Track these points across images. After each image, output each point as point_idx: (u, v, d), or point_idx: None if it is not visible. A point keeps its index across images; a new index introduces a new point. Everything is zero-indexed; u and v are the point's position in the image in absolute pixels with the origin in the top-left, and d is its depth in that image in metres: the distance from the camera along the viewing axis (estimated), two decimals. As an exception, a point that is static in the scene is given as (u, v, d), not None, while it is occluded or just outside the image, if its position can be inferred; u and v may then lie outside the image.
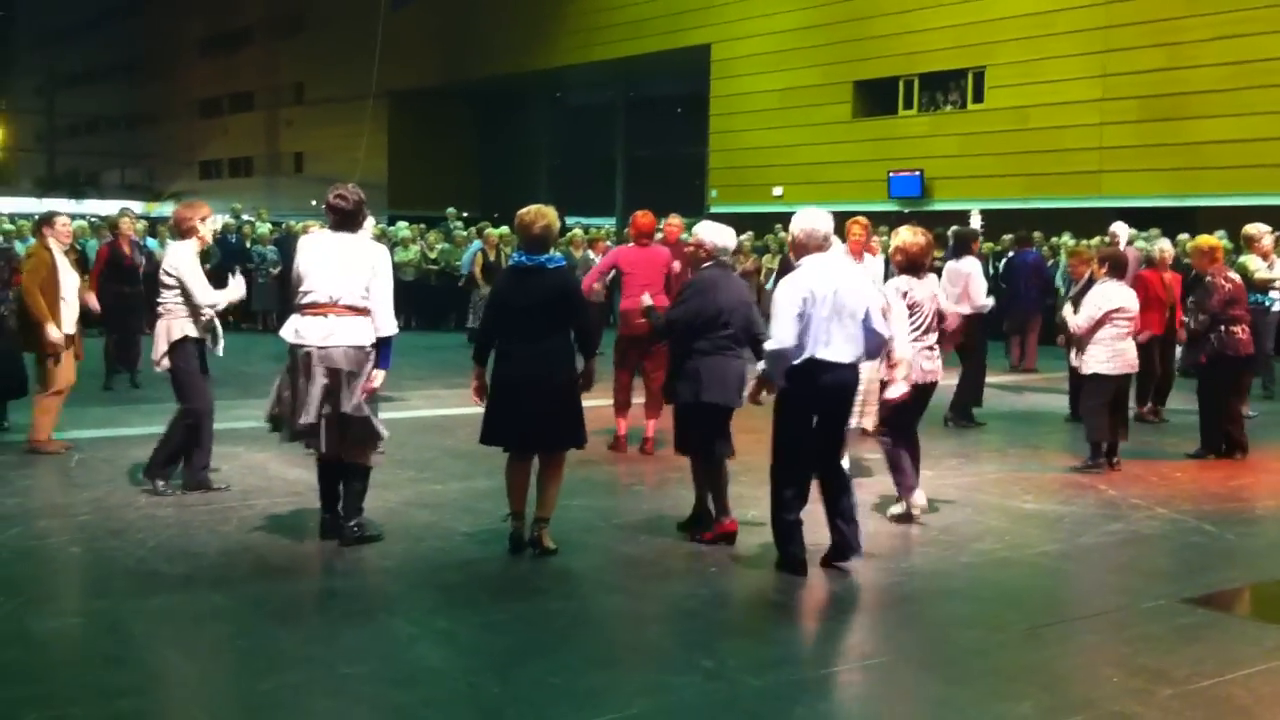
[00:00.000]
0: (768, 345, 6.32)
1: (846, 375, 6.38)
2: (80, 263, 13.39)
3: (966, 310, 10.43)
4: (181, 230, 7.97)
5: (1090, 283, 11.59)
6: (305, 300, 6.52)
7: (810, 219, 6.51)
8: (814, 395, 6.31)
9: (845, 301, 6.27)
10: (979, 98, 26.92)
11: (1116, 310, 9.12)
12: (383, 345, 6.64)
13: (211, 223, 8.13)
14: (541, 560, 6.48)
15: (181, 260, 7.70)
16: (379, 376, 6.68)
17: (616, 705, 4.59)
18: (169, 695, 4.82)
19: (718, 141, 32.58)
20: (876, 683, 4.97)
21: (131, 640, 5.31)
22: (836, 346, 6.26)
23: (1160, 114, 23.07)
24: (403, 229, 22.28)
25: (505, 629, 5.46)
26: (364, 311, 6.52)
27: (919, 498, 7.59)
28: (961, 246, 11.41)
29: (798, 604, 6.14)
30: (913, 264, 7.42)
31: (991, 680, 4.96)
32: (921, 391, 7.48)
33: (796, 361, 6.21)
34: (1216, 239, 10.64)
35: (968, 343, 11.17)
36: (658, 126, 39.90)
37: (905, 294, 7.34)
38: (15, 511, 7.33)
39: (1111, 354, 9.14)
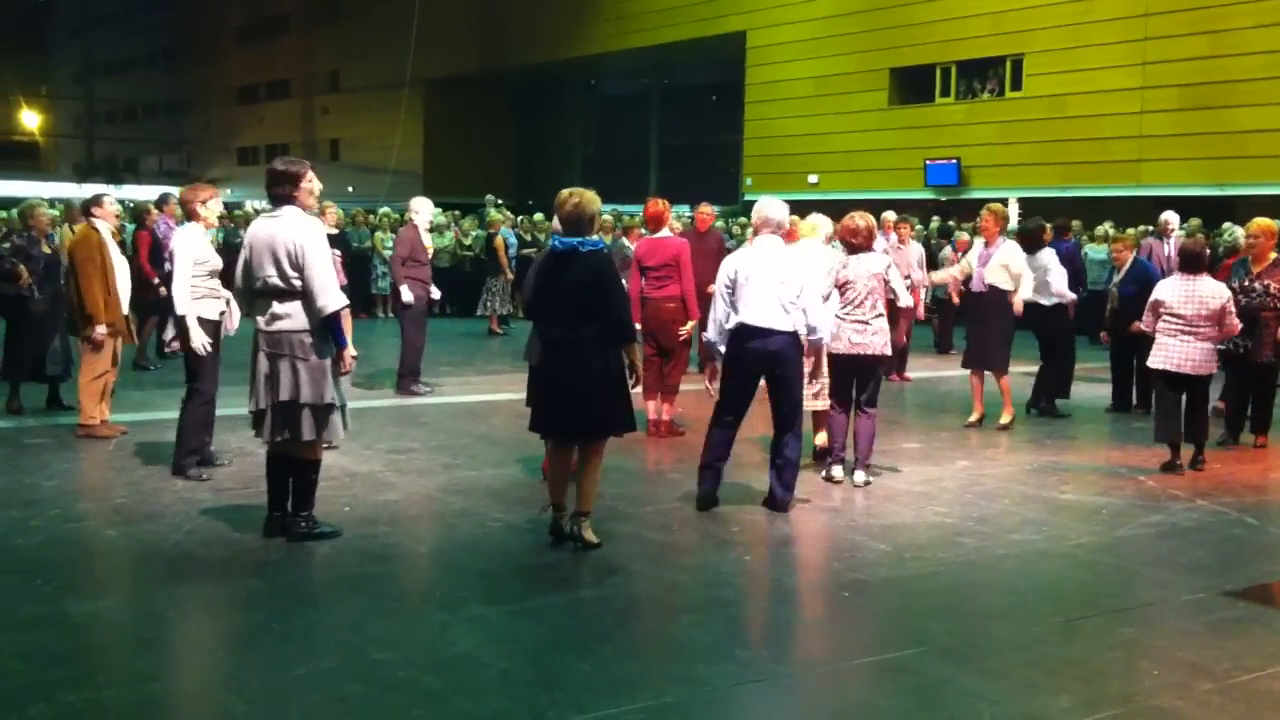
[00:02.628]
0: None
1: (775, 341, 7.13)
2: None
3: (1019, 299, 10.39)
4: (186, 213, 8.02)
5: (1135, 269, 11.52)
6: (255, 286, 6.36)
7: (763, 207, 7.47)
8: (743, 354, 7.19)
9: (775, 277, 7.11)
10: (1017, 85, 26.68)
11: (1159, 304, 8.90)
12: (331, 323, 6.28)
13: (215, 204, 8.00)
14: (575, 550, 6.45)
15: (179, 243, 7.74)
16: (347, 358, 6.45)
17: (649, 694, 4.57)
18: (202, 679, 4.85)
19: (753, 129, 32.45)
20: (911, 674, 4.93)
21: (166, 624, 5.33)
22: (763, 313, 7.11)
23: (1201, 102, 22.79)
24: (437, 215, 22.33)
25: (538, 616, 5.45)
26: (300, 294, 6.24)
27: (837, 471, 8.24)
28: (1033, 241, 11.28)
29: (832, 594, 6.10)
30: (847, 245, 8.24)
31: (1028, 673, 4.91)
32: (852, 362, 8.09)
33: (729, 325, 7.21)
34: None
35: (1053, 334, 11.09)
36: (692, 114, 39.83)
37: (837, 272, 8.11)
38: (53, 495, 7.39)
39: (1157, 349, 8.91)
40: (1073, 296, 11.55)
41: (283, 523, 6.51)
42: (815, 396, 8.69)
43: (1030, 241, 11.21)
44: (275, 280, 6.26)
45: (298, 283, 6.23)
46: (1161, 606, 5.87)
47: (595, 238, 6.51)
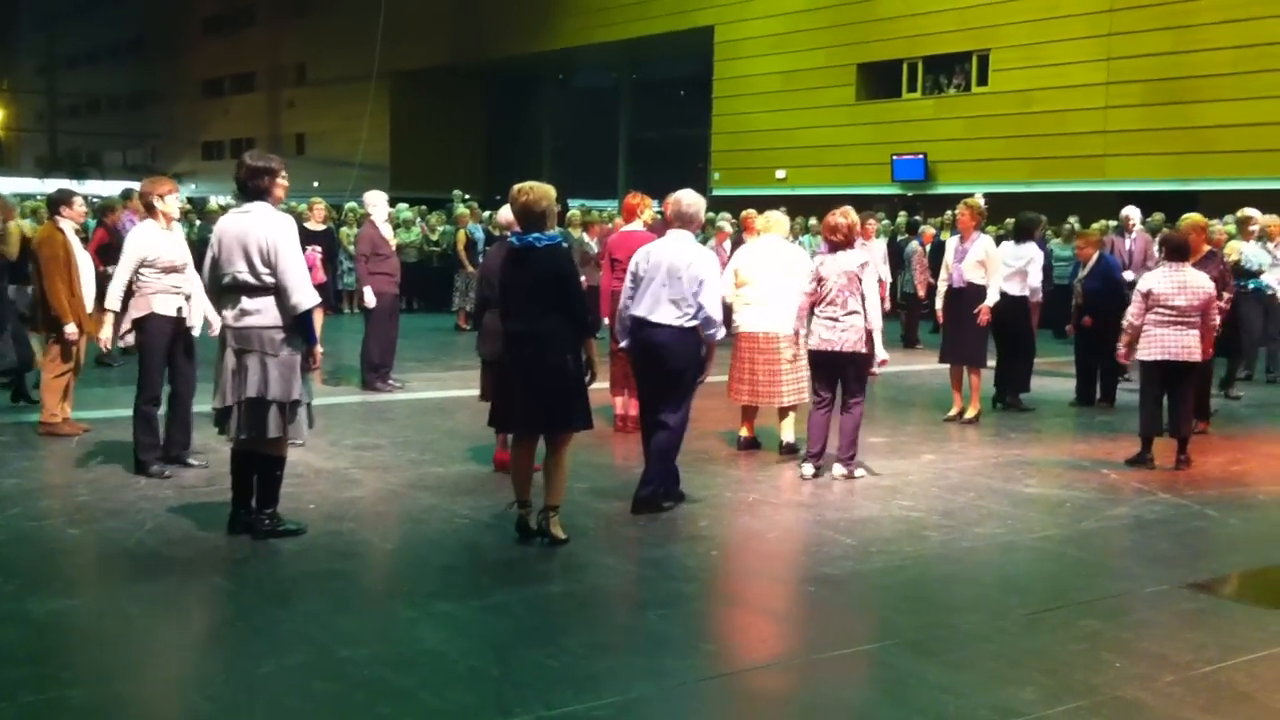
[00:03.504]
0: None
1: (661, 334, 7.08)
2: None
3: (989, 301, 10.49)
4: (145, 206, 7.99)
5: (1099, 265, 11.61)
6: (223, 281, 6.32)
7: (676, 201, 7.37)
8: (634, 345, 7.24)
9: (672, 272, 7.05)
10: (983, 81, 26.83)
11: (1151, 295, 8.83)
12: (303, 320, 6.25)
13: (173, 199, 7.90)
14: (542, 545, 6.45)
15: (129, 240, 7.75)
16: (317, 354, 6.46)
17: (617, 689, 4.57)
18: (167, 678, 4.80)
19: (721, 124, 32.49)
20: (878, 667, 4.95)
21: (130, 622, 5.29)
22: (653, 308, 7.08)
23: (1165, 97, 22.98)
24: (404, 210, 22.24)
25: (505, 612, 5.44)
26: (270, 290, 6.20)
27: (806, 468, 8.23)
28: (1024, 232, 11.50)
29: (799, 588, 6.12)
30: (828, 242, 8.26)
31: (993, 665, 4.94)
32: (823, 359, 8.14)
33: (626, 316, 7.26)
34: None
35: (1014, 327, 11.18)
36: (661, 108, 39.86)
37: (815, 269, 8.20)
38: (14, 492, 7.32)
39: (1148, 340, 8.87)
40: (1039, 295, 11.70)
41: (247, 520, 6.47)
42: (791, 392, 8.79)
43: (1023, 233, 11.43)
44: (245, 276, 6.21)
45: (268, 279, 6.19)
46: (1125, 599, 5.91)
47: (552, 232, 6.48)
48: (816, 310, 8.14)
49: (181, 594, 5.68)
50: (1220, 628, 5.50)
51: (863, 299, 8.04)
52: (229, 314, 6.30)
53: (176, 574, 5.89)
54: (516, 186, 6.50)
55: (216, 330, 7.58)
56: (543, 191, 6.44)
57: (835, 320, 8.05)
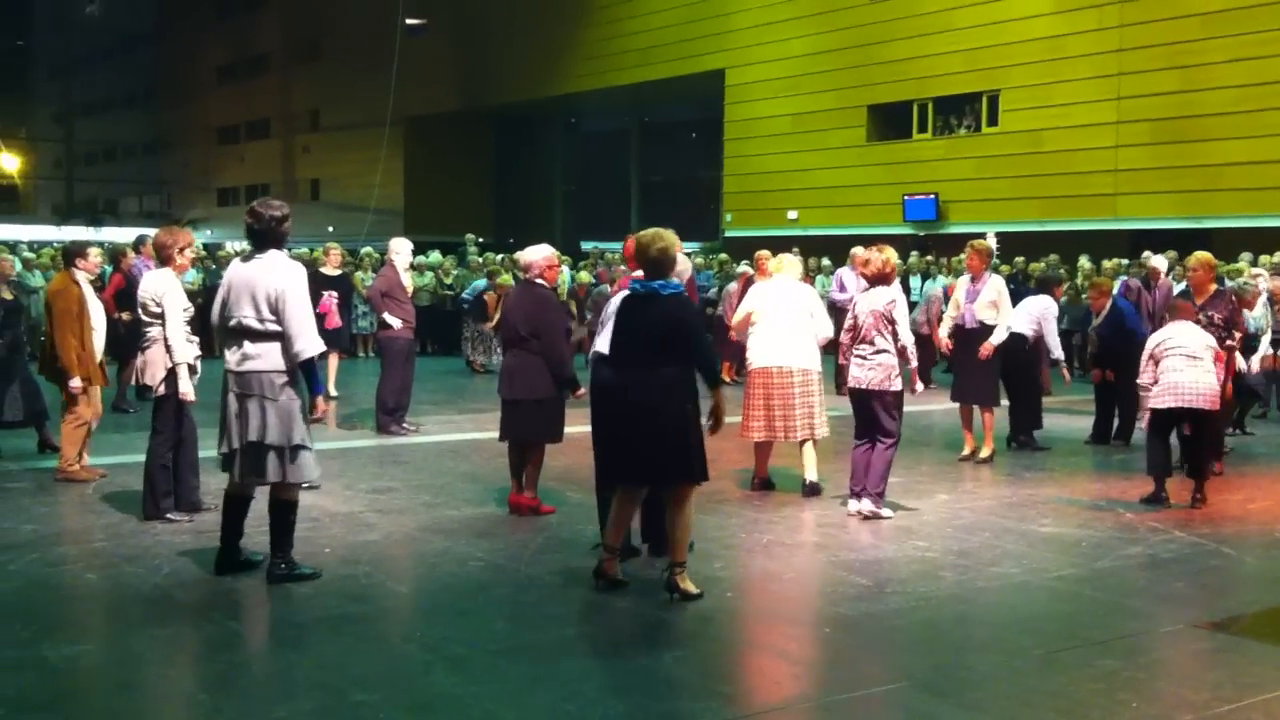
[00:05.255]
0: None
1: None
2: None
3: (996, 337, 10.59)
4: (161, 258, 8.06)
5: (1112, 314, 11.61)
6: (229, 324, 6.40)
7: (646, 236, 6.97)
8: (595, 386, 6.96)
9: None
10: (993, 121, 26.89)
11: (1157, 344, 8.96)
12: (306, 367, 6.33)
13: (191, 252, 8.10)
14: (557, 587, 6.46)
15: (167, 289, 7.75)
16: (320, 403, 6.48)
17: (631, 732, 4.56)
18: (183, 722, 4.81)
19: (732, 166, 32.60)
20: (892, 708, 4.94)
21: (145, 667, 5.30)
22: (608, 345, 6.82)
23: (1175, 136, 23.00)
24: (434, 256, 22.35)
25: (521, 656, 5.45)
26: (275, 336, 6.27)
27: (852, 504, 8.32)
28: (1043, 286, 11.98)
29: (813, 628, 6.11)
30: (864, 277, 8.53)
31: (1009, 706, 4.92)
32: (855, 396, 8.33)
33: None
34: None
35: (1018, 368, 11.21)
36: (672, 151, 40.01)
37: (848, 307, 8.54)
38: (32, 538, 7.35)
39: (1160, 388, 8.84)
40: (1060, 354, 11.92)
41: (235, 559, 6.56)
42: (804, 426, 8.81)
43: (1043, 286, 11.93)
44: (250, 321, 6.30)
45: (273, 325, 6.27)
46: (1141, 638, 5.89)
47: (675, 280, 6.43)
48: (852, 349, 8.34)
49: (196, 639, 5.70)
50: (1237, 666, 5.47)
51: (893, 336, 8.18)
52: (232, 358, 6.39)
53: (191, 618, 5.91)
54: (645, 234, 6.40)
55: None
56: (671, 240, 6.37)
57: (864, 359, 8.24)
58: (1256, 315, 12.19)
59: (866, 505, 8.21)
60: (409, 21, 35.30)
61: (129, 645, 5.57)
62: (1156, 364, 8.88)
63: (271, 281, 6.27)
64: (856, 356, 8.26)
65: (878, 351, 8.17)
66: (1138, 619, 6.23)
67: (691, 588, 6.27)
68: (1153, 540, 7.78)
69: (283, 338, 6.26)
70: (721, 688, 5.09)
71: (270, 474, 6.32)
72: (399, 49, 32.52)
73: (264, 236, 6.42)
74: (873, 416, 8.26)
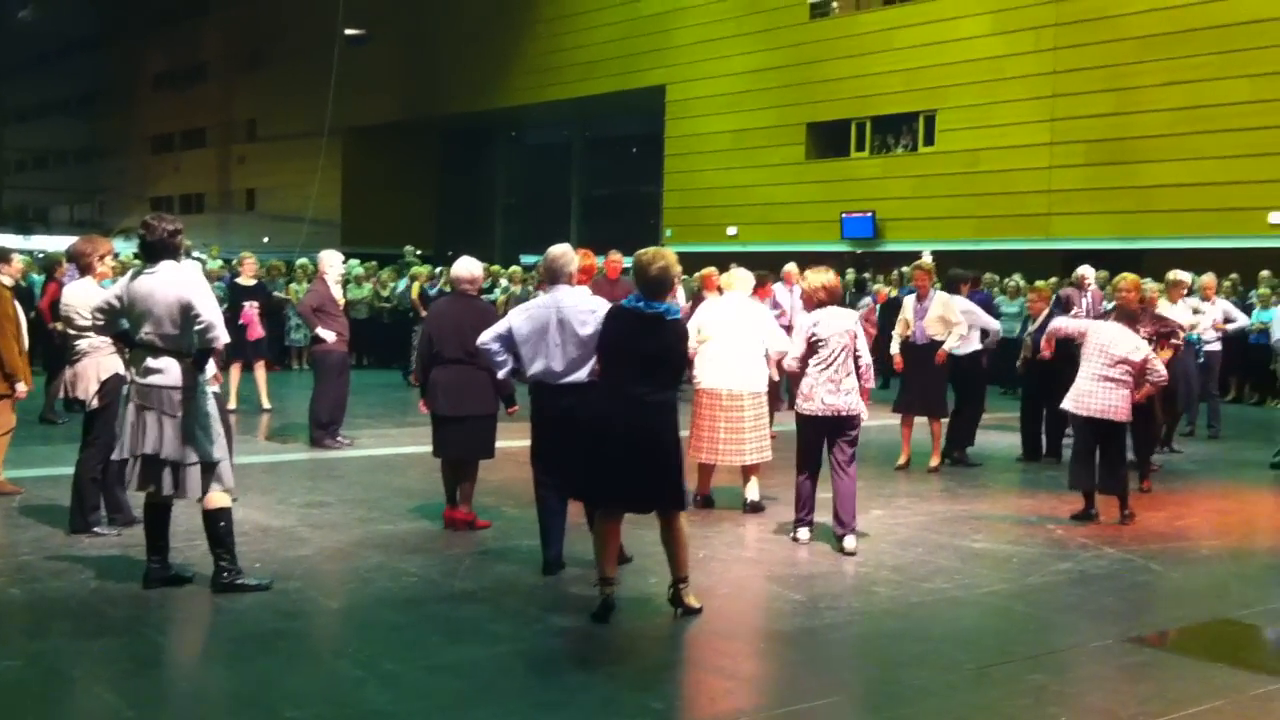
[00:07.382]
0: None
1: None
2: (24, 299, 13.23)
3: (947, 348, 10.94)
4: (81, 266, 8.00)
5: (1049, 319, 11.81)
6: (135, 339, 6.41)
7: (553, 253, 6.99)
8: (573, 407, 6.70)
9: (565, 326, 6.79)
10: (930, 140, 27.22)
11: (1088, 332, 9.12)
12: (211, 353, 6.41)
13: (110, 260, 8.07)
14: (490, 603, 6.43)
15: (82, 299, 7.63)
16: (218, 376, 6.59)
17: (565, 748, 4.55)
18: (108, 740, 4.73)
19: (673, 181, 32.76)
20: (826, 724, 4.96)
21: (72, 683, 5.21)
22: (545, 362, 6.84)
23: (1108, 158, 23.40)
24: (355, 266, 22.17)
25: (453, 672, 5.41)
26: (176, 351, 6.29)
27: (803, 533, 8.08)
28: (949, 285, 11.98)
29: (747, 643, 6.12)
30: (825, 300, 8.06)
31: (941, 721, 4.96)
32: (825, 423, 7.90)
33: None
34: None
35: (968, 381, 11.46)
36: (613, 165, 40.13)
37: (808, 330, 7.96)
38: (-46, 552, 7.20)
39: (1077, 393, 8.97)
40: (999, 335, 12.26)
41: (162, 573, 6.51)
42: (754, 450, 8.77)
43: (950, 287, 11.90)
44: (151, 336, 6.32)
45: (175, 340, 6.30)
46: (1071, 653, 5.96)
47: (674, 304, 6.34)
48: (814, 373, 7.90)
49: (124, 654, 5.60)
50: (1164, 681, 5.55)
51: (856, 357, 7.93)
52: (135, 371, 6.40)
53: (119, 633, 5.81)
54: (645, 252, 6.28)
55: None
56: (672, 259, 6.29)
57: (838, 383, 7.85)
58: (1174, 316, 12.48)
59: (849, 542, 7.79)
60: (349, 32, 35.13)
61: (55, 661, 5.46)
62: (1079, 337, 9.14)
63: (171, 296, 6.28)
64: (829, 381, 7.83)
65: (850, 375, 7.88)
66: (1067, 634, 6.31)
67: (694, 602, 6.29)
68: (1082, 556, 7.88)
69: (199, 331, 6.25)
70: (656, 704, 5.09)
71: (165, 487, 6.33)
72: (339, 60, 32.33)
73: (156, 248, 6.40)
74: (833, 444, 7.91)
